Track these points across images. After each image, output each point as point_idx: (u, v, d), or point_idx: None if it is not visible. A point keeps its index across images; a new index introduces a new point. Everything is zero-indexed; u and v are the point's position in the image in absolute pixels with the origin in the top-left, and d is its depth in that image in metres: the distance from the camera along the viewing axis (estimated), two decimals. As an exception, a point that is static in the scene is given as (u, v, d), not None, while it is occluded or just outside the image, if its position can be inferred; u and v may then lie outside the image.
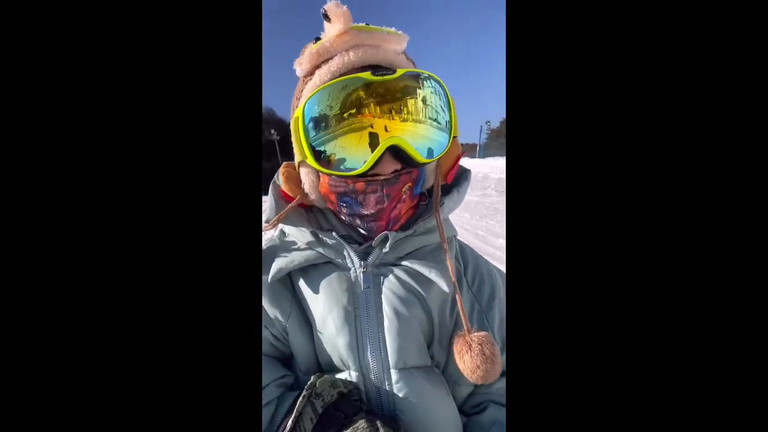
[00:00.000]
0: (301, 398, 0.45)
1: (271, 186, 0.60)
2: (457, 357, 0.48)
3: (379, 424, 0.45)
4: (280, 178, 0.59)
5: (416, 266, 0.53)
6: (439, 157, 0.52)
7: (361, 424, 0.44)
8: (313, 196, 0.57)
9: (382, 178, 0.49)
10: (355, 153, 0.48)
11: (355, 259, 0.54)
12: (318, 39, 0.52)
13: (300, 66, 0.53)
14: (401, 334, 0.50)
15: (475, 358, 0.46)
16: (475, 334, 0.48)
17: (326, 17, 0.48)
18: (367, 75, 0.46)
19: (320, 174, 0.53)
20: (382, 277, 0.54)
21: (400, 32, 0.52)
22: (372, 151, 0.47)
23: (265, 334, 0.55)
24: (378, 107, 0.47)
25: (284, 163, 0.60)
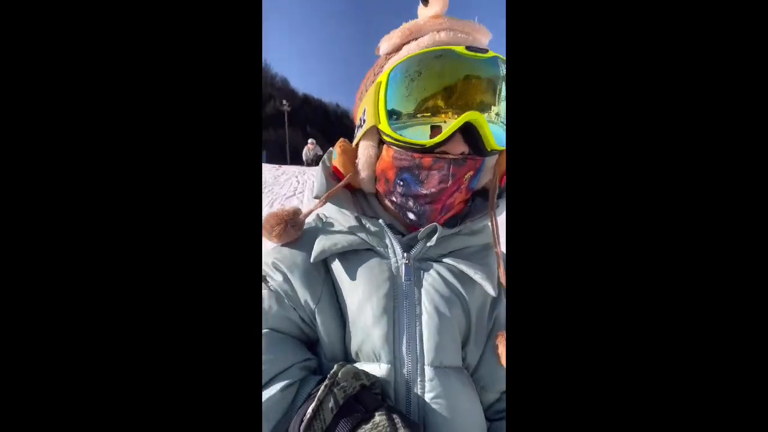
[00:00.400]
0: (323, 387, 0.45)
1: (321, 163, 0.60)
2: (500, 349, 0.48)
3: (397, 420, 0.44)
4: (334, 154, 0.58)
5: (461, 266, 0.53)
6: (502, 151, 0.52)
7: (382, 420, 0.44)
8: (364, 174, 0.56)
9: (450, 156, 0.49)
10: (426, 126, 0.49)
11: (398, 250, 0.54)
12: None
13: (388, 41, 0.53)
14: (440, 332, 0.50)
15: None
16: None
17: (424, 2, 0.50)
18: (461, 49, 0.47)
19: (382, 148, 0.53)
20: (423, 272, 0.53)
21: (486, 29, 0.54)
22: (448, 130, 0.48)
23: (293, 316, 0.54)
24: (464, 84, 0.48)
25: (341, 139, 0.59)
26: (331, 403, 0.44)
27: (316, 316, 0.53)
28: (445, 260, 0.54)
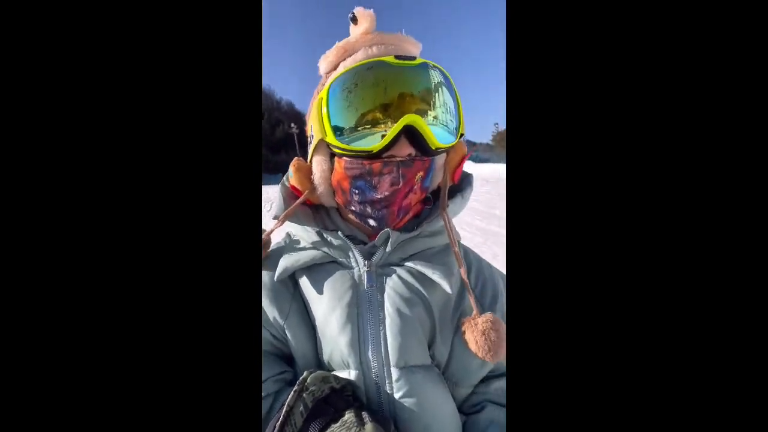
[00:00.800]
0: (292, 393, 0.47)
1: (280, 185, 0.62)
2: (467, 335, 0.51)
3: (366, 416, 0.46)
4: (289, 173, 0.61)
5: (420, 267, 0.55)
6: (449, 149, 0.55)
7: (349, 417, 0.46)
8: (321, 188, 0.58)
9: (398, 159, 0.51)
10: (372, 133, 0.51)
11: (360, 259, 0.56)
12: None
13: (326, 60, 0.56)
14: (402, 333, 0.52)
15: (480, 334, 0.49)
16: (483, 315, 0.51)
17: (354, 20, 0.53)
18: (390, 58, 0.50)
19: (333, 161, 0.55)
20: (385, 277, 0.55)
21: (415, 39, 0.57)
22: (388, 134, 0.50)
23: (265, 334, 0.57)
24: (397, 91, 0.50)
25: (295, 158, 0.62)
26: (300, 408, 0.46)
27: (286, 331, 0.56)
28: (406, 263, 0.56)
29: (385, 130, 0.50)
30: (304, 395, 0.47)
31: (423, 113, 0.51)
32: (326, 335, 0.54)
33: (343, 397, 0.49)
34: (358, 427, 0.45)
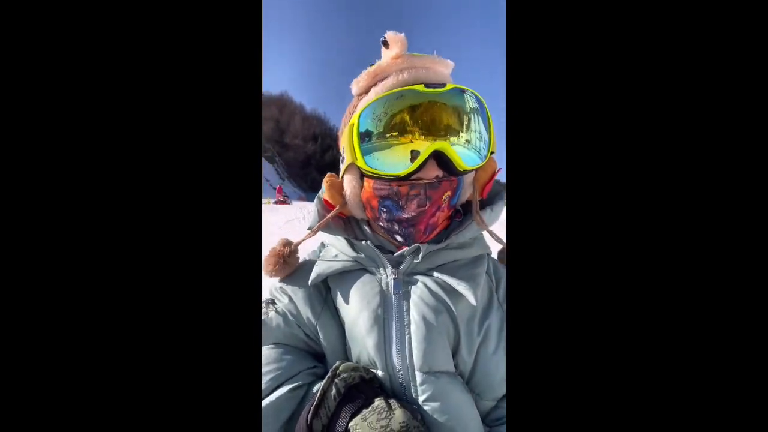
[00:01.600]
0: (326, 379, 0.51)
1: (316, 198, 0.66)
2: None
3: (394, 403, 0.49)
4: (323, 188, 0.64)
5: (445, 278, 0.57)
6: (478, 168, 0.56)
7: (379, 403, 0.49)
8: (352, 203, 0.61)
9: (425, 181, 0.54)
10: (402, 158, 0.53)
11: (388, 267, 0.59)
12: (372, 64, 0.59)
13: (357, 85, 0.60)
14: (426, 339, 0.53)
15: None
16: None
17: (385, 44, 0.56)
18: (420, 87, 0.52)
19: (363, 180, 0.58)
20: (411, 286, 0.58)
21: (447, 60, 0.59)
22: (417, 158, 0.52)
23: (298, 332, 0.61)
24: (428, 118, 0.53)
25: (328, 174, 0.65)
26: (333, 392, 0.50)
27: (318, 330, 0.60)
28: (433, 274, 0.58)
29: (414, 155, 0.52)
30: (337, 381, 0.51)
31: (452, 135, 0.53)
32: (354, 337, 0.57)
33: (371, 386, 0.52)
34: (388, 412, 0.47)
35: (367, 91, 0.59)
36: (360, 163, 0.55)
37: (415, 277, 0.59)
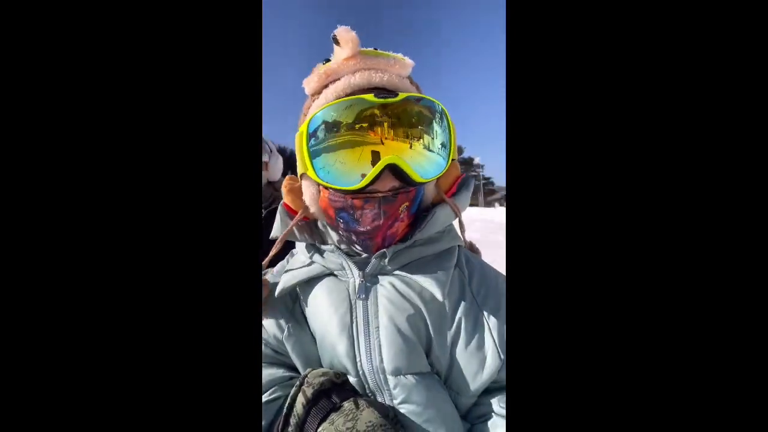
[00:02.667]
0: (294, 387, 0.50)
1: (280, 205, 0.63)
2: None
3: (363, 403, 0.49)
4: (283, 192, 0.62)
5: (412, 276, 0.55)
6: (437, 178, 0.54)
7: (348, 405, 0.48)
8: (312, 209, 0.59)
9: (380, 195, 0.51)
10: (353, 169, 0.50)
11: (354, 270, 0.57)
12: (327, 60, 0.54)
13: (308, 85, 0.55)
14: (396, 342, 0.52)
15: None
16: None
17: (336, 41, 0.51)
18: (370, 96, 0.49)
19: (320, 188, 0.55)
20: (378, 287, 0.56)
21: (405, 58, 0.54)
22: (371, 168, 0.49)
23: (267, 351, 0.59)
24: (379, 127, 0.49)
25: (287, 176, 0.62)
26: (302, 400, 0.49)
27: (286, 345, 0.58)
28: (399, 272, 0.56)
29: (367, 169, 0.49)
30: (305, 388, 0.50)
31: (405, 149, 0.50)
32: (324, 345, 0.56)
33: (342, 389, 0.52)
34: (355, 413, 0.47)
35: (318, 93, 0.54)
36: (311, 174, 0.52)
37: (381, 278, 0.57)
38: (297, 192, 0.60)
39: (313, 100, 0.55)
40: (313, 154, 0.52)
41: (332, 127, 0.50)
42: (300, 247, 0.62)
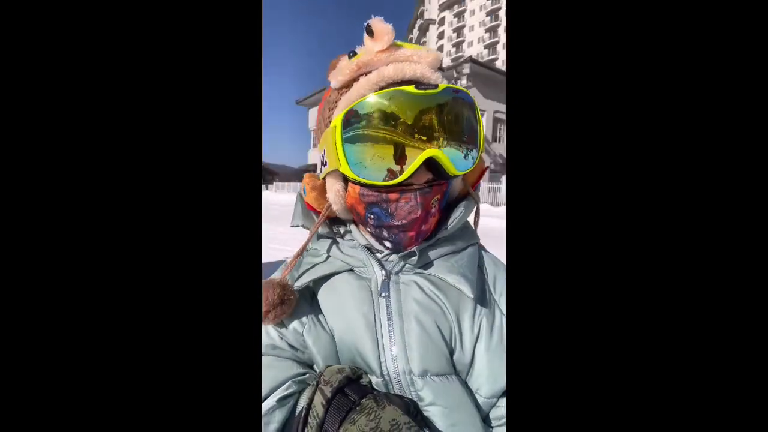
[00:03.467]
0: (310, 387, 0.50)
1: (297, 196, 0.62)
2: None
3: (383, 399, 0.48)
4: (304, 190, 0.60)
5: (438, 273, 0.55)
6: (468, 171, 0.54)
7: (368, 402, 0.47)
8: (336, 207, 0.57)
9: (416, 187, 0.51)
10: (390, 164, 0.49)
11: (377, 268, 0.56)
12: (353, 53, 0.53)
13: (336, 78, 0.53)
14: (423, 343, 0.52)
15: None
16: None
17: (369, 32, 0.50)
18: (411, 89, 0.48)
19: (347, 184, 0.54)
20: (403, 285, 0.55)
21: (435, 50, 0.54)
22: (408, 163, 0.49)
23: (282, 344, 0.57)
24: (419, 122, 0.49)
25: (307, 174, 0.61)
26: (321, 399, 0.48)
27: (305, 339, 0.56)
28: (424, 270, 0.56)
29: (404, 165, 0.49)
30: (322, 387, 0.49)
31: (443, 142, 0.50)
32: (346, 343, 0.55)
33: (359, 386, 0.51)
34: (377, 411, 0.46)
35: (348, 86, 0.53)
36: (345, 170, 0.51)
37: (404, 276, 0.56)
38: (319, 189, 0.59)
39: (341, 94, 0.54)
40: (348, 150, 0.50)
41: (369, 120, 0.49)
42: (317, 243, 0.61)
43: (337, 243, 0.59)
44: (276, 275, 0.58)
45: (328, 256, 0.59)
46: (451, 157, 0.50)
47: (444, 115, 0.50)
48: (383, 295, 0.55)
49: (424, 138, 0.49)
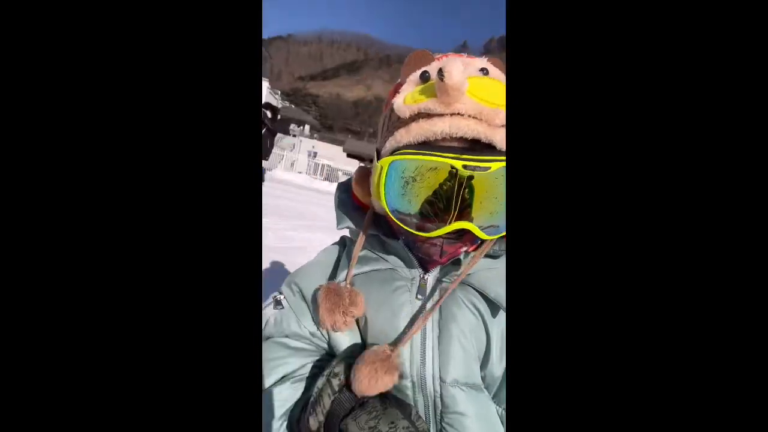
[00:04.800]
0: (322, 377, 0.51)
1: (339, 186, 0.64)
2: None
3: (387, 401, 0.49)
4: (344, 189, 0.62)
5: (478, 284, 0.54)
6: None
7: (372, 402, 0.49)
8: (377, 208, 0.56)
9: (444, 236, 0.49)
10: (425, 206, 0.48)
11: (419, 272, 0.56)
12: (426, 74, 0.48)
13: (399, 111, 0.49)
14: (457, 352, 0.51)
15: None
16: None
17: (440, 76, 0.42)
18: (459, 165, 0.45)
19: None
20: (442, 292, 0.54)
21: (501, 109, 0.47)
22: (440, 218, 0.48)
23: (303, 331, 0.59)
24: (458, 199, 0.47)
25: (360, 166, 0.62)
26: (329, 390, 0.50)
27: (331, 335, 0.58)
28: (466, 280, 0.54)
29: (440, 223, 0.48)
30: (332, 379, 0.51)
31: (479, 216, 0.48)
32: (378, 340, 0.55)
33: None
34: (378, 412, 0.48)
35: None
36: (384, 205, 0.50)
37: (446, 282, 0.56)
38: (366, 188, 0.59)
39: (401, 122, 0.50)
40: (389, 198, 0.50)
41: (410, 182, 0.48)
42: (356, 235, 0.61)
43: (382, 240, 0.58)
44: (338, 279, 0.58)
45: (371, 254, 0.60)
46: (484, 224, 0.49)
47: (486, 197, 0.48)
48: (421, 297, 0.55)
49: (459, 215, 0.48)
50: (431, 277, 0.56)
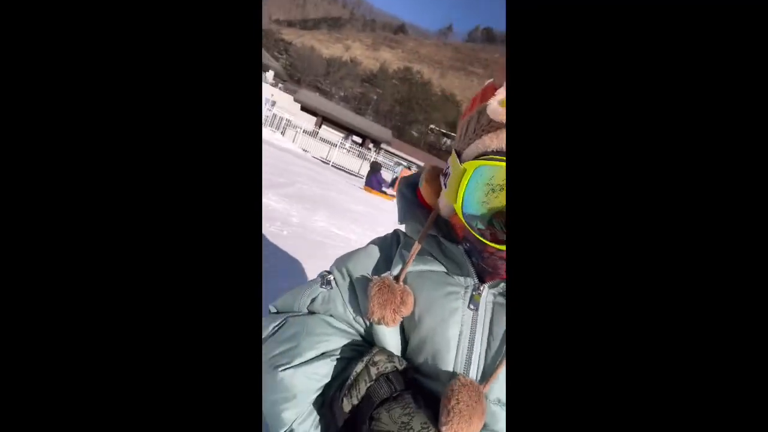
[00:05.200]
0: (361, 362, 0.52)
1: (403, 182, 0.63)
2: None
3: (422, 401, 0.49)
4: (420, 182, 0.60)
5: None
6: None
7: (408, 398, 0.49)
8: (443, 212, 0.56)
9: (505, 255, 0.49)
10: (498, 216, 0.49)
11: (473, 279, 0.55)
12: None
13: (496, 98, 0.49)
14: (500, 366, 0.50)
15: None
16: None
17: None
18: None
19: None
20: (497, 306, 0.53)
21: None
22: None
23: (347, 317, 0.60)
24: None
25: (432, 166, 0.61)
26: (366, 377, 0.51)
27: (374, 329, 0.57)
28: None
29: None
30: (370, 367, 0.52)
31: None
32: (425, 346, 0.55)
33: (404, 377, 0.53)
34: (413, 409, 0.48)
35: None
36: (458, 210, 0.50)
37: (500, 297, 0.54)
38: (435, 187, 0.59)
39: (491, 125, 0.50)
40: (466, 203, 0.49)
41: (496, 189, 0.48)
42: (415, 234, 0.59)
43: (439, 241, 0.57)
44: (390, 274, 0.57)
45: (427, 253, 0.58)
46: None
47: None
48: (473, 308, 0.54)
49: None
50: (486, 291, 0.54)
